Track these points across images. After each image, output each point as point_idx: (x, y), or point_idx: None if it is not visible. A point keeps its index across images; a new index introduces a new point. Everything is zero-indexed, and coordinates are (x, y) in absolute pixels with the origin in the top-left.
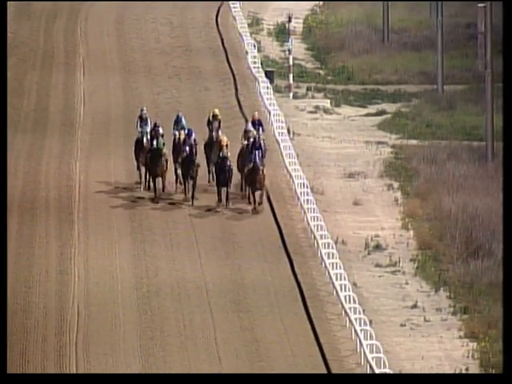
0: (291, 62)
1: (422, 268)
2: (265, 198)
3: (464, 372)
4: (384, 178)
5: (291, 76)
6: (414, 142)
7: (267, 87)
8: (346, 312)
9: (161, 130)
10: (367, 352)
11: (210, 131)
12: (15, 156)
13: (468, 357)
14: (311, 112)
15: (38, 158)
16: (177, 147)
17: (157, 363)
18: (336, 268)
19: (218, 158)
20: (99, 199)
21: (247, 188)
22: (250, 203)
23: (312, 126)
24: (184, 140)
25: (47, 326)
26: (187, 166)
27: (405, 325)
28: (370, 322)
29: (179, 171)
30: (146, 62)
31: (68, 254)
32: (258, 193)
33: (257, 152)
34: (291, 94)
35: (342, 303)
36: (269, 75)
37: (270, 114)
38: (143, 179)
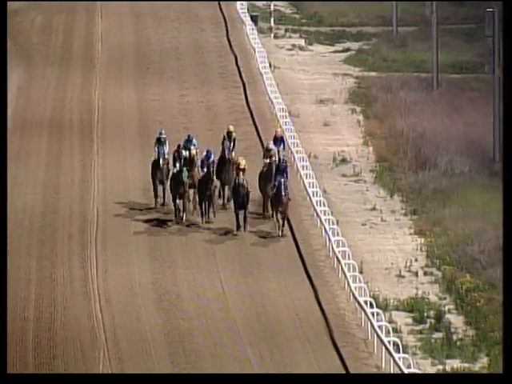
0: (272, 8)
1: (380, 177)
2: (251, 120)
3: (414, 263)
4: (349, 103)
5: (272, 20)
6: (373, 73)
7: (252, 29)
8: (317, 214)
9: (184, 153)
10: (334, 246)
11: (223, 151)
12: (45, 85)
13: (417, 250)
14: (289, 49)
15: (63, 87)
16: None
17: (163, 255)
18: (309, 178)
19: (234, 181)
20: (114, 121)
21: (272, 209)
22: (268, 215)
23: (289, 61)
24: (202, 159)
25: (72, 225)
26: (205, 187)
27: (365, 224)
28: (337, 221)
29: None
30: (152, 8)
31: (89, 166)
32: (281, 216)
33: (282, 179)
34: (272, 35)
35: (314, 206)
36: (254, 19)
37: (254, 51)
38: (160, 197)
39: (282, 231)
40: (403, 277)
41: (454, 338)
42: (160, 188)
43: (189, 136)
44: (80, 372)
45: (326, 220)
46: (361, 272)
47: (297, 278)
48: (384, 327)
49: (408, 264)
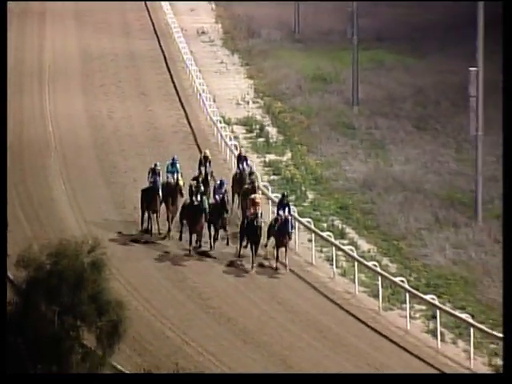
0: None
1: (226, 43)
2: (144, 6)
3: (247, 96)
4: None
5: None
6: None
7: None
8: (187, 66)
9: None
10: (198, 85)
11: (205, 175)
12: None
13: (248, 87)
14: None
15: None
16: (168, 188)
17: (95, 92)
18: (182, 43)
19: (251, 216)
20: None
21: (268, 238)
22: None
23: None
24: (214, 187)
25: (33, 71)
26: (217, 215)
27: (217, 72)
28: (200, 70)
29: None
30: None
31: (43, 32)
32: (282, 249)
33: (288, 216)
34: None
35: (185, 61)
36: None
37: None
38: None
39: (286, 265)
40: (240, 104)
41: (271, 141)
42: (153, 216)
43: (173, 159)
44: (37, 162)
45: (193, 70)
46: (214, 101)
47: (173, 105)
48: (228, 135)
49: (243, 96)
